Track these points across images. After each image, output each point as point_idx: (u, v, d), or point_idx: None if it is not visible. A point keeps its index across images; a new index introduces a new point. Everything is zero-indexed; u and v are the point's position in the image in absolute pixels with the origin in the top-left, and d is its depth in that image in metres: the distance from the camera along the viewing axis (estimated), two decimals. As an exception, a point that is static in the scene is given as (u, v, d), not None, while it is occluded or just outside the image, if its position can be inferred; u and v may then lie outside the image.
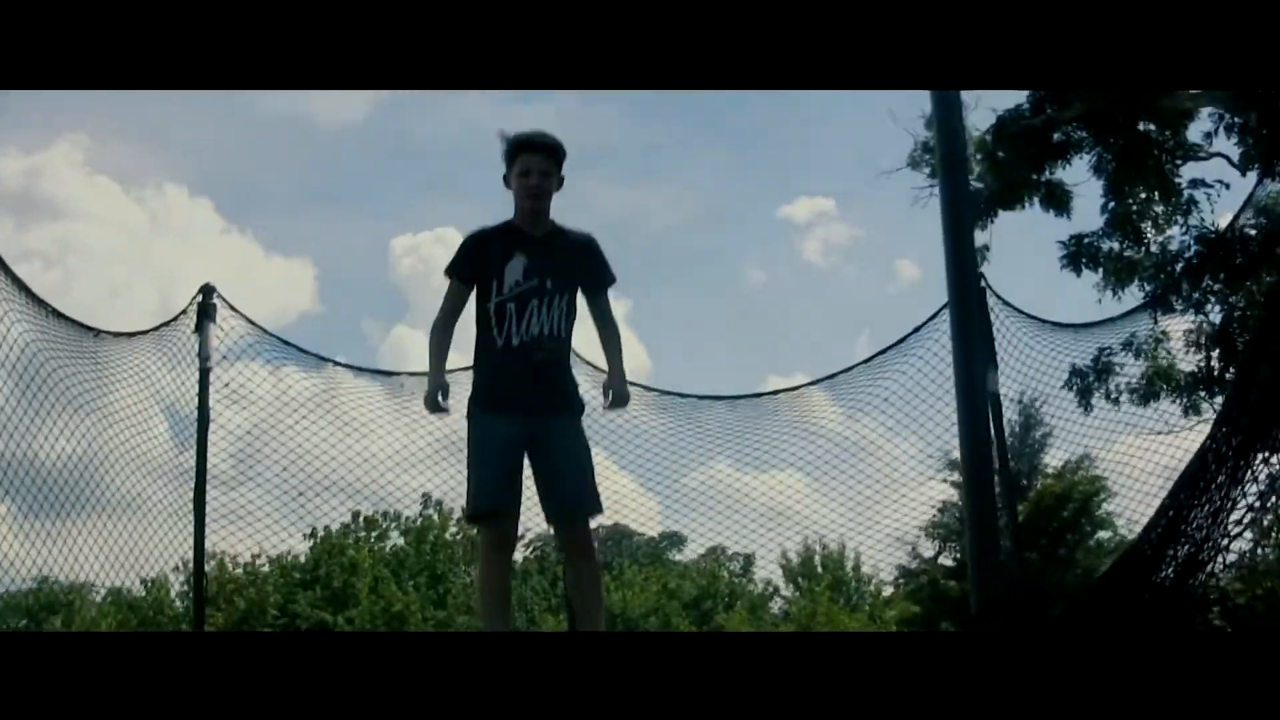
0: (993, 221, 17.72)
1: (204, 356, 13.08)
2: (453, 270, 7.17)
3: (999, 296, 14.13)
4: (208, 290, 13.26)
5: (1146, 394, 16.17)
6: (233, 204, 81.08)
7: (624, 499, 16.95)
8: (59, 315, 12.76)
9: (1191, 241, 15.63)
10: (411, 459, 16.11)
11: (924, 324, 14.63)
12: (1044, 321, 14.97)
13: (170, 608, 31.63)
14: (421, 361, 15.24)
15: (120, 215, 72.77)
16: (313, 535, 33.19)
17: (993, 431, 13.35)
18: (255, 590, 32.40)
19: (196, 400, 13.09)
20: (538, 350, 6.93)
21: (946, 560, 23.96)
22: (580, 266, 7.14)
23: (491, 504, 6.95)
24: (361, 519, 36.20)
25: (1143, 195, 17.08)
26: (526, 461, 7.02)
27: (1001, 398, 13.79)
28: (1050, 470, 22.72)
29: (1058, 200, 17.21)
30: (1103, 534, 23.00)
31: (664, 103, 78.97)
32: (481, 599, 7.22)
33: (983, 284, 13.61)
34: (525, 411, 6.93)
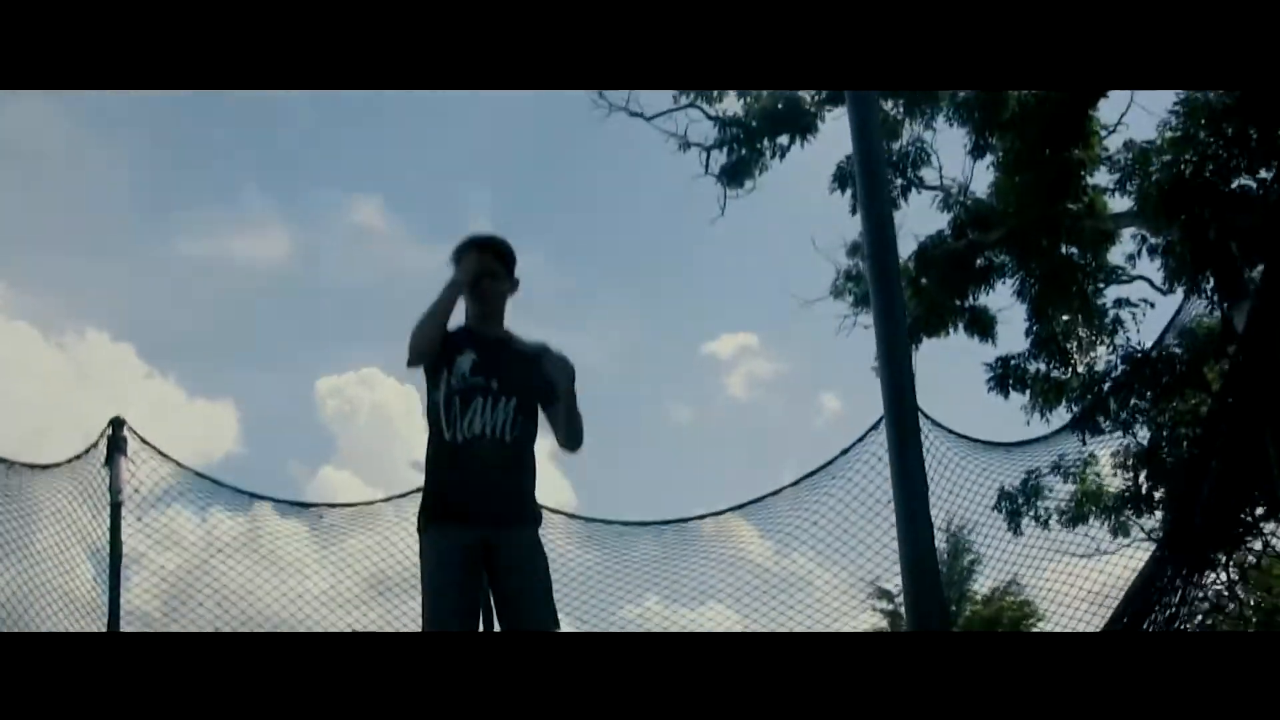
0: (917, 348, 17.72)
1: (115, 490, 12.85)
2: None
3: (927, 416, 14.11)
4: (118, 423, 13.06)
5: (1075, 516, 16.12)
6: (154, 349, 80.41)
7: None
8: None
9: (1118, 361, 15.63)
10: (341, 598, 15.83)
11: (851, 446, 14.57)
12: (974, 440, 14.94)
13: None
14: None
15: (41, 361, 72.06)
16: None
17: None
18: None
19: (108, 535, 12.79)
20: (480, 449, 6.49)
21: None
22: (534, 376, 6.67)
23: (440, 625, 6.49)
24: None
25: (1065, 318, 17.14)
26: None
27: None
28: (979, 596, 22.69)
29: (982, 325, 17.27)
30: (1032, 659, 22.87)
31: (582, 249, 79.29)
32: None
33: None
34: (475, 520, 6.47)
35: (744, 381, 75.60)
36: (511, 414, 6.58)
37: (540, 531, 6.80)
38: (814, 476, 15.29)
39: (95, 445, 13.19)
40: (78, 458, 13.41)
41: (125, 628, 14.00)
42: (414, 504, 8.58)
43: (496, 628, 6.73)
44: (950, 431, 14.55)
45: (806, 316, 19.39)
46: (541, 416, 6.75)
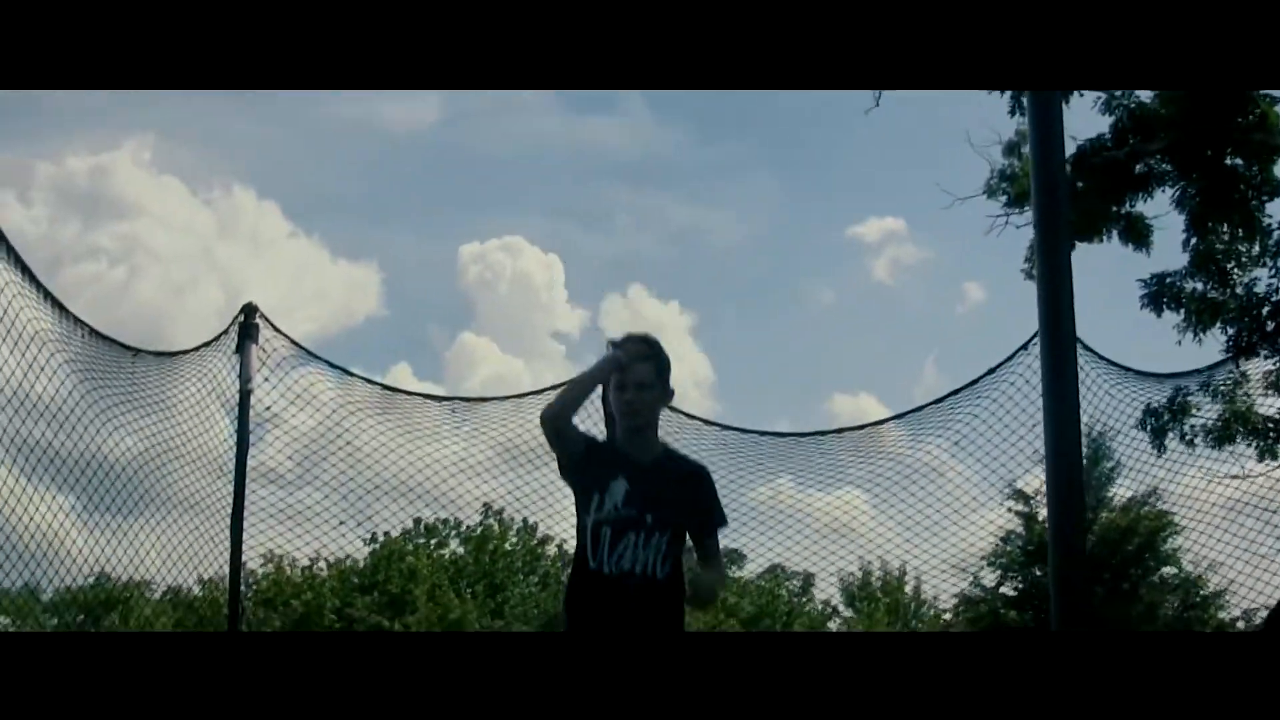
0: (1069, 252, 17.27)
1: (244, 378, 12.93)
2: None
3: (1080, 342, 13.80)
4: (250, 310, 13.06)
5: (1222, 436, 15.73)
6: (300, 208, 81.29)
7: None
8: (97, 335, 12.60)
9: (1279, 284, 15.13)
10: (474, 467, 15.95)
11: (999, 365, 14.31)
12: (1125, 369, 14.64)
13: (225, 608, 31.42)
14: (486, 369, 15.02)
15: (187, 216, 73.08)
16: (372, 540, 33.11)
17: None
18: (312, 594, 32.20)
19: (235, 424, 12.89)
20: (628, 587, 6.20)
21: (1008, 590, 23.65)
22: (687, 505, 6.44)
23: None
24: (422, 525, 36.06)
25: (1226, 233, 16.56)
26: None
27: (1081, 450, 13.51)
28: (1116, 503, 22.39)
29: (1137, 233, 16.73)
30: (1167, 570, 22.63)
31: (732, 121, 78.59)
32: None
33: None
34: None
35: (889, 266, 74.99)
36: (664, 548, 6.28)
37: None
38: (959, 394, 15.09)
39: (226, 332, 13.23)
40: (207, 345, 13.48)
41: (256, 484, 14.26)
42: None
43: None
44: (1101, 358, 14.25)
45: (955, 209, 18.90)
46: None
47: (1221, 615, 21.99)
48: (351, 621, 32.08)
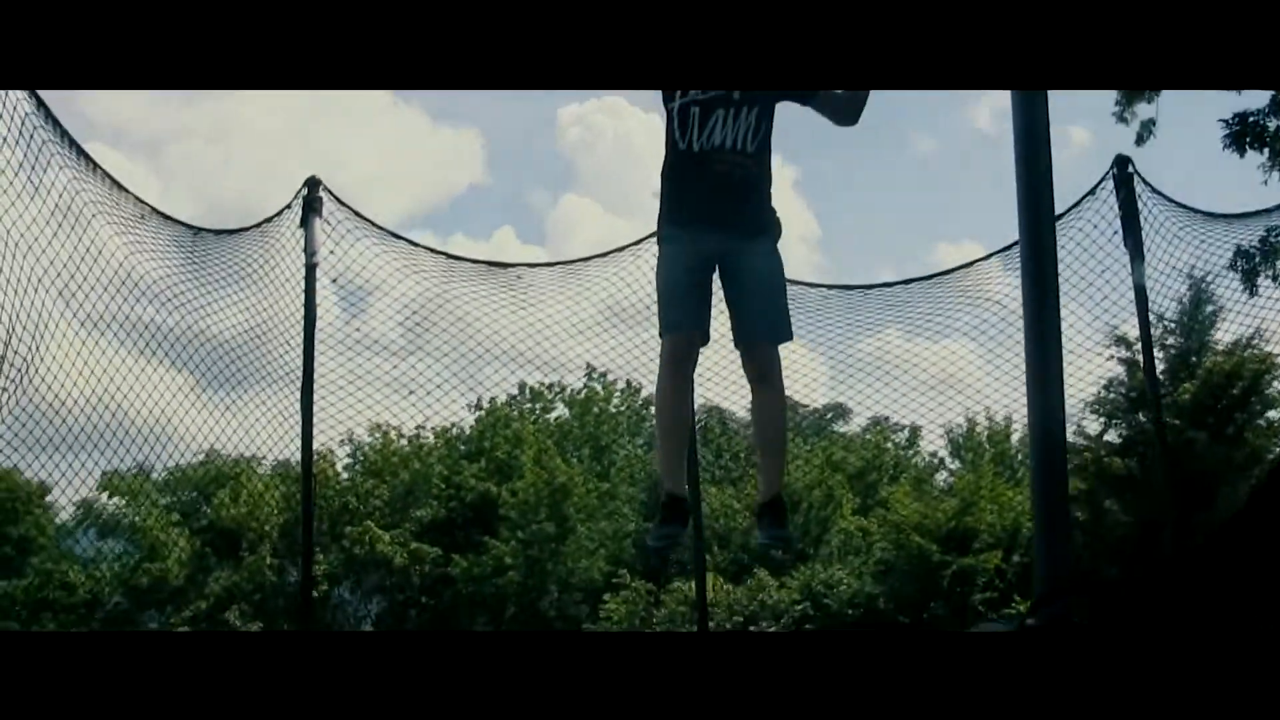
0: (1159, 95, 16.75)
1: (310, 252, 12.92)
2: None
3: (1147, 183, 13.42)
4: (313, 184, 13.04)
5: (1316, 277, 15.30)
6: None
7: (791, 365, 16.71)
8: (160, 214, 12.63)
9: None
10: (577, 327, 15.90)
11: (1083, 198, 13.94)
12: (1195, 211, 14.20)
13: (336, 481, 31.88)
14: (590, 229, 14.93)
15: (282, 92, 73.38)
16: (478, 406, 33.29)
17: (1137, 323, 13.03)
18: (420, 462, 32.48)
19: (303, 298, 12.88)
20: (719, 161, 6.59)
21: (1112, 437, 23.36)
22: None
23: (670, 323, 6.73)
24: (527, 390, 36.21)
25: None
26: (718, 279, 6.87)
27: (1149, 287, 13.20)
28: (1220, 347, 21.99)
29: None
30: (1272, 413, 22.21)
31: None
32: (660, 414, 7.10)
33: (1130, 169, 13.05)
34: (710, 227, 6.68)
35: (989, 114, 73.64)
36: (754, 123, 6.62)
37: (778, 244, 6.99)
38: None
39: (289, 206, 13.21)
40: (269, 220, 13.47)
41: (361, 354, 14.36)
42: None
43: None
44: (1170, 200, 13.81)
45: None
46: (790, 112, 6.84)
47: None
48: (459, 489, 32.35)
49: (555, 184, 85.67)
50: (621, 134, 70.25)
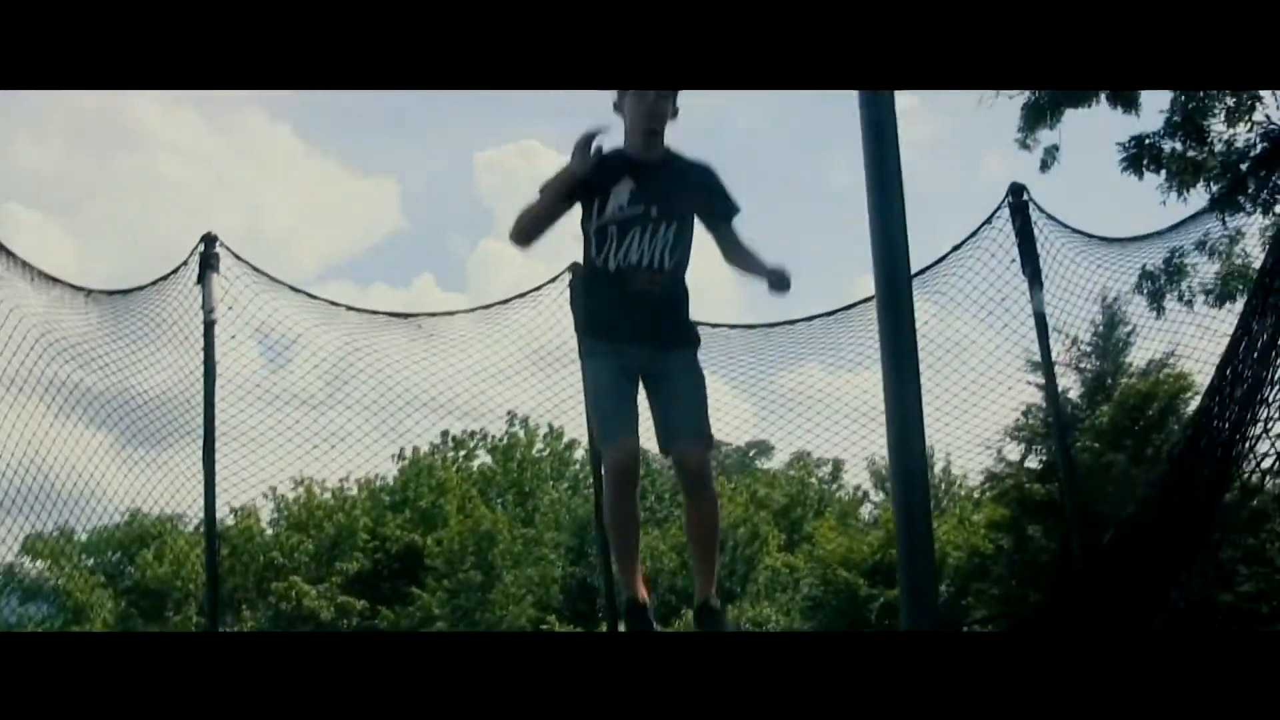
0: (1059, 121, 17.03)
1: (208, 309, 12.89)
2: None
3: (1042, 210, 13.67)
4: (209, 239, 13.06)
5: (1222, 294, 15.56)
6: (312, 127, 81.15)
7: (715, 403, 16.71)
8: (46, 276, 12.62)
9: (1257, 139, 14.87)
10: (498, 373, 15.89)
11: (979, 228, 14.15)
12: (1090, 236, 14.45)
13: (260, 535, 31.76)
14: (509, 274, 14.93)
15: (201, 144, 73.07)
16: (401, 457, 33.25)
17: (1039, 350, 13.21)
18: (344, 515, 32.41)
19: (202, 355, 12.87)
20: (636, 279, 6.62)
21: (1032, 463, 23.58)
22: (696, 199, 6.81)
23: (609, 435, 6.69)
24: (449, 438, 36.20)
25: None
26: (643, 391, 6.83)
27: (1056, 312, 13.42)
28: (1133, 369, 22.25)
29: (1125, 97, 16.44)
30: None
31: None
32: (612, 527, 6.93)
33: (1024, 197, 13.29)
34: (631, 341, 6.68)
35: (904, 143, 74.44)
36: (671, 240, 6.67)
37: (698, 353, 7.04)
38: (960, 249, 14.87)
39: (185, 264, 13.22)
40: (164, 278, 13.47)
41: (290, 409, 14.39)
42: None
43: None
44: (1065, 226, 14.05)
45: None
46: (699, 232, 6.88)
47: (1250, 477, 21.81)
48: (384, 541, 32.29)
49: (473, 229, 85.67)
50: (537, 176, 70.43)
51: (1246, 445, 8.08)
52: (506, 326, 15.44)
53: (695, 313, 7.04)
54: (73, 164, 74.27)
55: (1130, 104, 16.36)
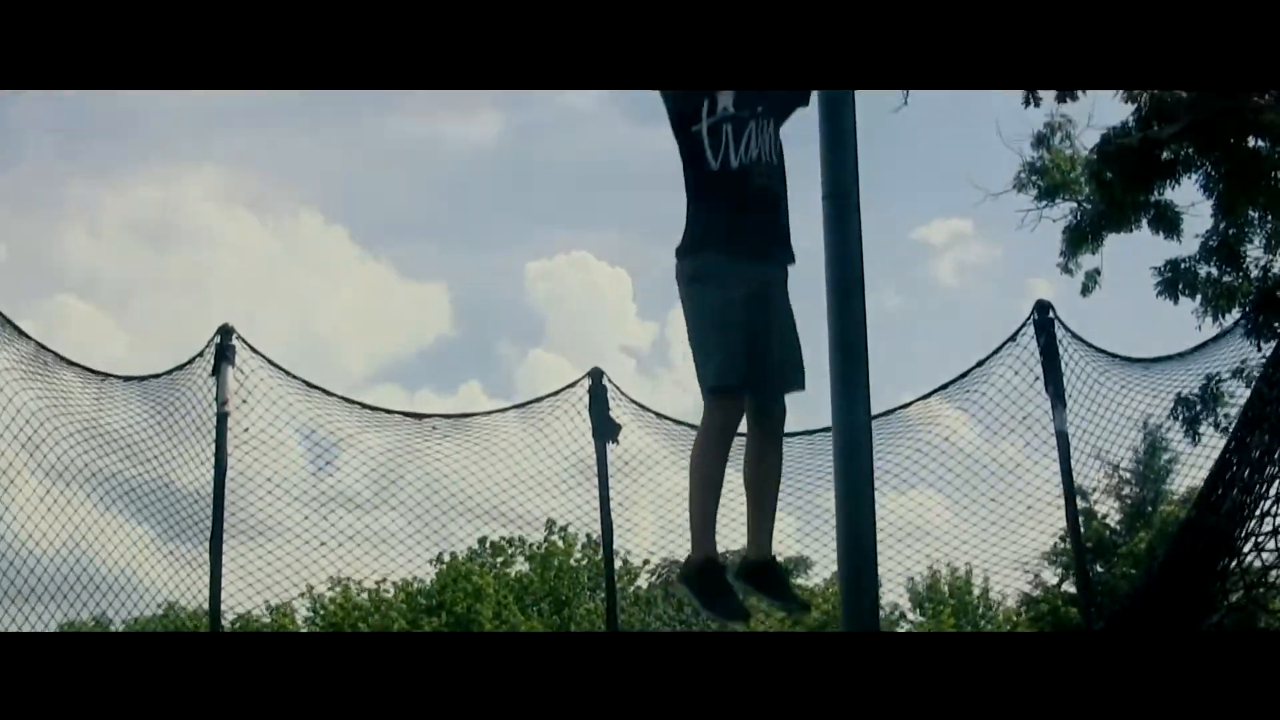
0: (1101, 245, 17.33)
1: (221, 400, 13.13)
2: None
3: (1068, 328, 13.87)
4: (226, 331, 13.28)
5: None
6: (366, 231, 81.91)
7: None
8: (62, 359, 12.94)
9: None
10: (539, 481, 16.11)
11: (1004, 344, 14.33)
12: (1113, 356, 14.61)
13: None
14: (557, 384, 15.15)
15: (256, 244, 73.95)
16: (439, 560, 33.36)
17: (1060, 469, 13.23)
18: (380, 617, 32.52)
19: (214, 448, 13.10)
20: (758, 174, 6.38)
21: (1069, 587, 23.66)
22: (782, 97, 6.56)
23: (720, 377, 6.27)
24: (488, 544, 36.28)
25: (1252, 214, 16.54)
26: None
27: (1076, 435, 13.55)
28: (1175, 497, 22.35)
29: (1167, 221, 16.75)
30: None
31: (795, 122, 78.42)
32: (699, 476, 6.34)
33: (1050, 314, 13.46)
34: (755, 251, 6.42)
35: (953, 267, 74.50)
36: (773, 134, 6.51)
37: None
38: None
39: (201, 354, 13.43)
40: (180, 368, 13.69)
41: (337, 510, 14.56)
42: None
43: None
44: (1090, 346, 14.23)
45: (1006, 204, 18.74)
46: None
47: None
48: (419, 644, 32.41)
49: (523, 338, 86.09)
50: (589, 286, 70.83)
51: (1234, 560, 8.21)
52: (549, 432, 15.65)
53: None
54: (125, 258, 75.31)
55: (1173, 229, 16.64)
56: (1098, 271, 17.53)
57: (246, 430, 13.76)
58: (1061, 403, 13.60)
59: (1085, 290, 17.61)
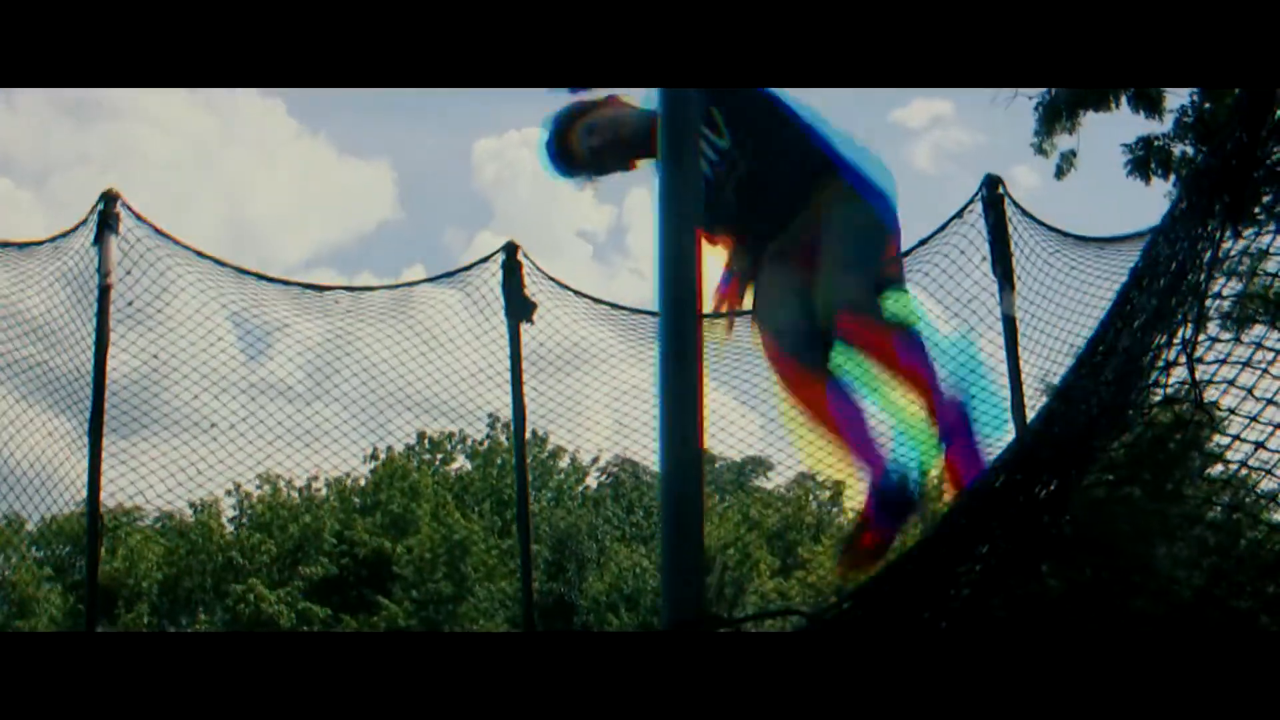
0: (1079, 125, 16.85)
1: (103, 273, 12.56)
2: None
3: (1017, 205, 13.39)
4: (109, 198, 12.72)
5: (1241, 319, 15.27)
6: (304, 106, 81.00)
7: (719, 418, 16.54)
8: None
9: (1274, 144, 14.66)
10: (480, 374, 15.63)
11: (949, 221, 13.89)
12: (1066, 235, 14.14)
13: (220, 534, 31.57)
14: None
15: (184, 119, 72.97)
16: (373, 457, 33.00)
17: (1005, 357, 12.92)
18: (311, 516, 32.22)
19: (94, 321, 12.63)
20: None
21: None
22: None
23: None
24: (426, 440, 35.94)
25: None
26: None
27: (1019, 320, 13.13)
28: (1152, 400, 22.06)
29: (1149, 100, 16.23)
30: (1215, 470, 22.24)
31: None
32: None
33: (1000, 190, 13.02)
34: None
35: (930, 151, 74.25)
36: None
37: None
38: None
39: (84, 222, 12.97)
40: (64, 235, 13.24)
41: (269, 402, 14.16)
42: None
43: None
44: (1041, 224, 13.77)
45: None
46: None
47: (1276, 516, 21.66)
48: (352, 545, 32.11)
49: (471, 222, 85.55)
50: (541, 168, 70.48)
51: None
52: (498, 322, 15.24)
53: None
54: (48, 137, 74.29)
55: (1153, 108, 16.15)
56: (1073, 153, 17.04)
57: (130, 304, 13.26)
58: (1010, 285, 13.13)
59: (1060, 173, 17.14)
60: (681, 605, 5.06)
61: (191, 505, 29.32)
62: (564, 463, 35.72)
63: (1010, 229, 13.32)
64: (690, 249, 5.35)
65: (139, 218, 13.16)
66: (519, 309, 13.90)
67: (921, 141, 76.88)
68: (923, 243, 14.17)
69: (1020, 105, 17.33)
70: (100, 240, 12.76)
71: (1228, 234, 8.26)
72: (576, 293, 14.86)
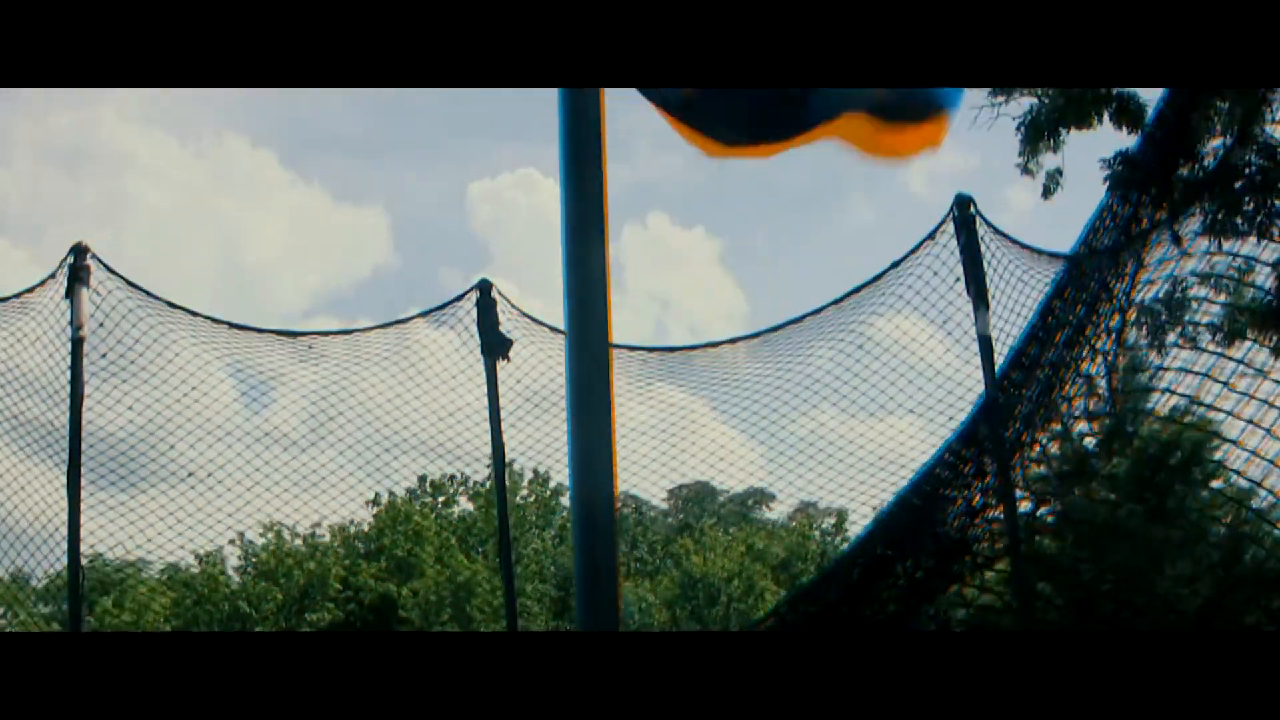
0: (1063, 144, 17.07)
1: (75, 325, 12.65)
2: None
3: (989, 223, 13.55)
4: (80, 250, 12.78)
5: (1231, 333, 15.42)
6: (296, 155, 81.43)
7: (721, 450, 16.58)
8: None
9: (1252, 156, 14.75)
10: (482, 415, 15.84)
11: (921, 243, 14.00)
12: (1039, 252, 14.23)
13: (225, 584, 31.78)
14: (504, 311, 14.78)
15: (176, 170, 73.31)
16: (375, 502, 33.19)
17: (982, 376, 12.91)
18: (316, 563, 32.42)
19: (69, 374, 12.70)
20: None
21: (1044, 515, 23.56)
22: None
23: None
24: (428, 483, 36.16)
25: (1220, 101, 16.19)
26: None
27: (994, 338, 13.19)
28: (1157, 414, 22.13)
29: (1130, 116, 16.44)
30: (1215, 485, 22.37)
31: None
32: None
33: (971, 210, 13.14)
34: None
35: (923, 178, 74.45)
36: None
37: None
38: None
39: (54, 275, 12.97)
40: (31, 290, 13.25)
41: (267, 451, 14.23)
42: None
43: None
44: (1014, 241, 13.89)
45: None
46: None
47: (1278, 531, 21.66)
48: (358, 591, 32.30)
49: (467, 263, 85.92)
50: (537, 207, 70.69)
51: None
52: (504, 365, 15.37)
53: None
54: (39, 186, 74.65)
55: (1135, 124, 16.31)
56: (1059, 172, 17.18)
57: (104, 357, 13.33)
58: (984, 305, 13.18)
59: (1047, 192, 17.23)
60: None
61: (196, 556, 29.58)
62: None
63: (983, 249, 13.40)
64: (598, 260, 5.41)
65: (110, 270, 13.18)
66: (494, 345, 14.05)
67: (914, 165, 77.03)
68: (895, 265, 14.35)
69: (1009, 126, 17.55)
70: (71, 293, 12.79)
71: (1161, 233, 8.54)
72: (551, 328, 15.01)
